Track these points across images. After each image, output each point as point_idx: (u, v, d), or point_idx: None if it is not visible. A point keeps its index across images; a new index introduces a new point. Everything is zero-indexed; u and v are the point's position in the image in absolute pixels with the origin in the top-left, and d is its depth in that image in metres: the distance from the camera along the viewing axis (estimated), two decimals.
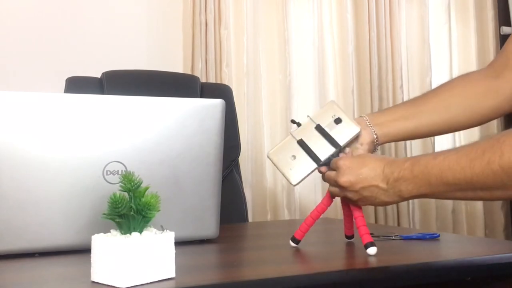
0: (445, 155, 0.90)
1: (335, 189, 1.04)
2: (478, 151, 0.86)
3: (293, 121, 1.12)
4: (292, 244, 1.09)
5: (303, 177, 1.08)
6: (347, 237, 1.15)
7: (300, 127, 1.10)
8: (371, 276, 0.90)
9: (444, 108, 1.14)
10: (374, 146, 1.13)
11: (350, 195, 1.01)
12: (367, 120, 1.13)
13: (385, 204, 0.99)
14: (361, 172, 0.98)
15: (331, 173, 1.04)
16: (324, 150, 1.07)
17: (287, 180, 1.08)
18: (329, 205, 1.09)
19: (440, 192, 0.92)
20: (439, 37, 2.94)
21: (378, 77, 2.74)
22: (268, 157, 1.10)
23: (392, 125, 1.14)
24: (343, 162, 1.01)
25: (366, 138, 1.11)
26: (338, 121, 1.09)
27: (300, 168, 1.07)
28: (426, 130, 1.16)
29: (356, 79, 2.72)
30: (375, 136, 1.12)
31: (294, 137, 1.09)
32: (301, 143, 1.08)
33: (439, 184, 0.90)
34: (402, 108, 1.19)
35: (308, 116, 1.11)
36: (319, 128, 1.09)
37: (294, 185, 1.08)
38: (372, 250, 0.98)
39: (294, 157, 1.08)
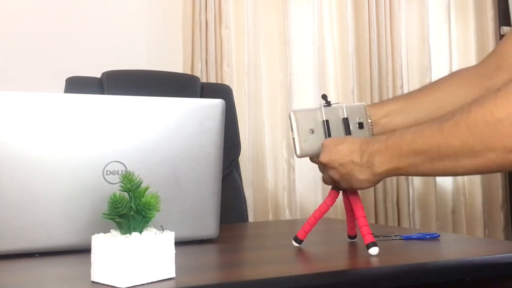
0: (420, 124, 0.90)
1: (323, 174, 1.06)
2: (449, 114, 0.85)
3: (324, 97, 1.11)
4: (295, 244, 1.09)
5: (309, 154, 1.08)
6: (350, 237, 1.15)
7: (330, 108, 1.10)
8: (371, 276, 0.90)
9: (439, 107, 1.14)
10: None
11: (331, 173, 1.02)
12: (366, 111, 1.15)
13: (360, 183, 0.98)
14: (339, 149, 1.00)
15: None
16: None
17: (294, 147, 1.08)
18: (331, 205, 1.09)
19: (411, 164, 0.90)
20: (439, 37, 2.95)
21: (378, 77, 2.74)
22: (290, 114, 1.08)
23: (387, 122, 1.16)
24: (326, 141, 1.04)
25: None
26: (360, 126, 1.11)
27: (312, 145, 1.07)
28: None
29: (356, 79, 2.72)
30: (370, 127, 1.14)
31: (322, 114, 1.09)
32: (326, 124, 1.08)
33: (409, 152, 0.89)
34: (398, 104, 1.20)
35: (343, 103, 1.11)
36: (346, 122, 1.10)
37: (298, 157, 1.08)
38: (374, 250, 0.98)
39: (312, 131, 1.08)
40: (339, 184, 1.04)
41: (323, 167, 1.05)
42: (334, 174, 1.02)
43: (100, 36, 2.34)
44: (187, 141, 1.10)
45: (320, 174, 1.10)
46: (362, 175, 0.97)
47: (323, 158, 1.02)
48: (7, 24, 2.22)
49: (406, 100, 1.20)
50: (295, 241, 1.09)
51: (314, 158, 1.10)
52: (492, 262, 0.97)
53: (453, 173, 0.88)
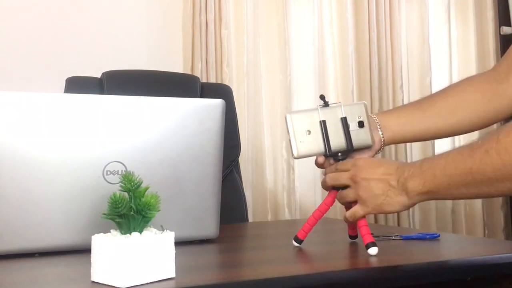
0: (452, 150, 0.93)
1: (344, 190, 1.04)
2: (478, 142, 0.88)
3: (322, 97, 1.11)
4: (295, 244, 1.09)
5: (307, 155, 1.08)
6: (351, 237, 1.15)
7: (328, 108, 1.09)
8: (371, 276, 0.90)
9: (450, 113, 1.14)
10: (380, 147, 1.14)
11: (359, 191, 1.00)
12: (376, 120, 1.14)
13: (393, 206, 0.98)
14: (375, 171, 0.99)
15: (344, 174, 1.03)
16: (338, 143, 1.08)
17: (291, 149, 1.07)
18: (331, 205, 1.09)
19: (444, 187, 0.91)
20: (439, 37, 2.95)
21: (378, 77, 2.74)
22: (286, 116, 1.08)
23: (399, 129, 1.15)
24: (358, 161, 1.03)
25: (374, 138, 1.11)
26: (360, 125, 1.10)
27: (309, 146, 1.07)
28: (431, 134, 1.17)
29: (356, 79, 2.72)
30: (382, 138, 1.13)
31: (319, 114, 1.09)
32: (323, 124, 1.08)
33: (443, 176, 0.91)
34: (409, 111, 1.19)
35: (340, 103, 1.10)
36: (344, 121, 1.09)
37: (295, 158, 1.07)
38: (373, 250, 0.98)
39: (309, 132, 1.07)
40: (361, 203, 1.01)
41: (347, 182, 1.02)
42: (362, 192, 1.00)
43: (100, 36, 2.34)
44: (187, 141, 1.10)
45: (319, 175, 1.10)
46: (396, 198, 0.97)
47: (356, 175, 1.00)
48: (7, 24, 2.21)
49: (417, 106, 1.19)
50: (295, 241, 1.09)
51: (319, 159, 1.08)
52: (492, 262, 0.97)
53: (489, 196, 0.91)
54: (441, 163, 0.92)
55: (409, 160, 2.79)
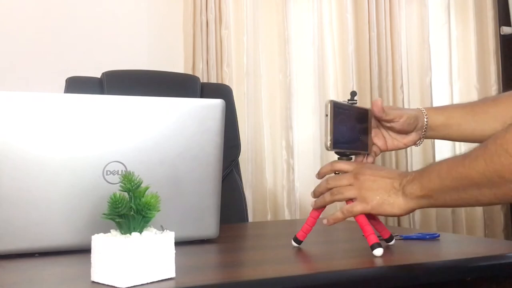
0: (450, 156, 0.95)
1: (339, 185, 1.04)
2: (472, 149, 0.90)
3: (354, 93, 1.10)
4: (294, 244, 1.09)
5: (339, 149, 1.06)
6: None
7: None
8: (371, 276, 0.90)
9: (497, 121, 1.13)
10: (419, 137, 1.16)
11: (365, 184, 1.00)
12: (425, 114, 1.14)
13: (392, 207, 0.98)
14: (380, 172, 1.01)
15: (346, 174, 1.04)
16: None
17: (328, 139, 1.02)
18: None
19: (438, 192, 0.93)
20: (439, 37, 2.95)
21: (378, 77, 2.74)
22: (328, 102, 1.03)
23: (443, 128, 1.16)
24: (364, 163, 1.06)
25: (419, 123, 1.13)
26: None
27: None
28: (473, 138, 1.17)
29: (356, 79, 2.72)
30: (423, 135, 1.15)
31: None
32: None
33: (437, 181, 0.92)
34: (459, 111, 1.18)
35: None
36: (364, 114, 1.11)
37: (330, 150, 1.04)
38: (378, 252, 0.97)
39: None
40: (361, 200, 1.00)
41: (350, 182, 1.02)
42: (364, 189, 1.00)
43: (100, 36, 2.34)
44: (187, 141, 1.10)
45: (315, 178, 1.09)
46: (397, 200, 0.98)
47: (360, 173, 1.01)
48: (7, 24, 2.21)
49: (468, 109, 1.18)
50: (295, 241, 1.09)
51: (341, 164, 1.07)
52: (492, 262, 0.97)
53: (479, 203, 0.91)
54: (436, 169, 0.94)
55: (409, 163, 2.80)
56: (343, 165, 1.06)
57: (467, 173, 0.88)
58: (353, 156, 1.09)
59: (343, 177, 1.04)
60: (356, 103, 1.08)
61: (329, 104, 1.01)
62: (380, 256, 0.97)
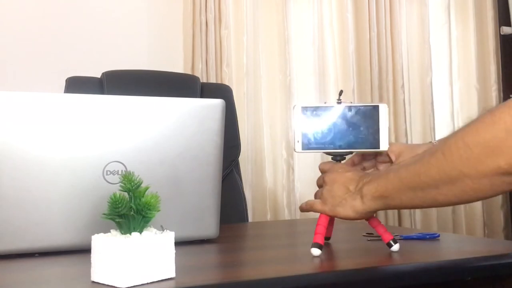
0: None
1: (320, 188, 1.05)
2: (432, 148, 0.88)
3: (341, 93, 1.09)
4: (316, 253, 0.98)
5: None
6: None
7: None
8: (370, 276, 0.90)
9: None
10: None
11: (324, 191, 1.01)
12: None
13: (346, 211, 0.97)
14: (346, 175, 1.00)
15: (321, 175, 1.05)
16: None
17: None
18: None
19: (394, 191, 0.90)
20: (439, 37, 2.95)
21: (378, 77, 2.74)
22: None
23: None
24: (337, 165, 1.04)
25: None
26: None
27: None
28: None
29: (357, 79, 2.72)
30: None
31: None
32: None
33: (394, 179, 0.90)
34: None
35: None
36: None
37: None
38: (396, 247, 0.99)
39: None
40: (322, 201, 1.01)
41: (320, 182, 1.04)
42: (325, 192, 1.00)
43: (100, 36, 2.34)
44: (187, 141, 1.10)
45: (319, 174, 1.09)
46: (352, 202, 0.96)
47: (325, 176, 1.02)
48: (7, 24, 2.22)
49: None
50: (317, 247, 0.98)
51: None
52: (492, 262, 0.97)
53: (434, 202, 0.87)
54: (395, 168, 0.92)
55: None
56: (321, 166, 1.07)
57: (425, 169, 0.85)
58: (347, 156, 1.08)
59: (319, 178, 1.05)
60: (340, 102, 1.05)
61: (294, 109, 1.04)
62: (380, 256, 0.97)
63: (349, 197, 0.97)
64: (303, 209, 1.05)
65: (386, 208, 0.95)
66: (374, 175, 0.95)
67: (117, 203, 0.80)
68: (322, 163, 1.07)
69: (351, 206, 0.96)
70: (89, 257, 0.80)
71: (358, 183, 0.96)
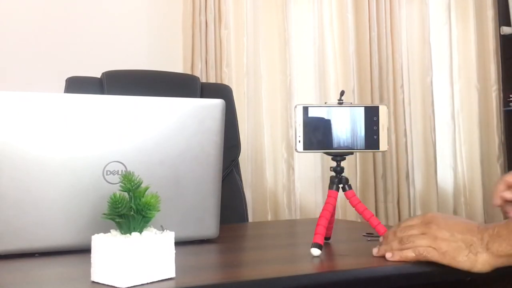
0: None
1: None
2: None
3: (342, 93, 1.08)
4: (316, 253, 0.98)
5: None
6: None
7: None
8: (371, 276, 0.90)
9: None
10: None
11: (435, 233, 0.92)
12: None
13: (475, 263, 0.90)
14: (455, 221, 0.93)
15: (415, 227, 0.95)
16: None
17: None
18: (335, 203, 1.06)
19: None
20: (439, 37, 2.95)
21: (378, 77, 2.74)
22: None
23: None
24: (427, 215, 0.96)
25: None
26: None
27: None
28: None
29: (357, 79, 2.72)
30: None
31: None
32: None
33: None
34: None
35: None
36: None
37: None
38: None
39: None
40: (438, 248, 0.92)
41: (417, 230, 0.94)
42: (442, 237, 0.92)
43: (100, 36, 2.35)
44: (187, 141, 1.10)
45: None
46: (481, 256, 0.90)
47: (435, 220, 0.93)
48: (7, 24, 2.22)
49: None
50: (317, 247, 0.98)
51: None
52: None
53: None
54: None
55: (409, 163, 2.80)
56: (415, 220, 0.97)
57: None
58: (346, 156, 1.07)
59: (413, 227, 0.96)
60: (342, 102, 1.05)
61: (295, 109, 1.04)
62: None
63: (474, 249, 0.90)
64: (408, 257, 0.93)
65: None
66: (498, 227, 0.89)
67: (117, 203, 0.80)
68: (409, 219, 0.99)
69: (480, 260, 0.90)
70: (89, 257, 0.80)
71: (483, 235, 0.90)
